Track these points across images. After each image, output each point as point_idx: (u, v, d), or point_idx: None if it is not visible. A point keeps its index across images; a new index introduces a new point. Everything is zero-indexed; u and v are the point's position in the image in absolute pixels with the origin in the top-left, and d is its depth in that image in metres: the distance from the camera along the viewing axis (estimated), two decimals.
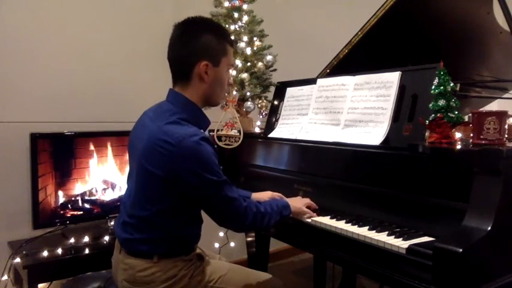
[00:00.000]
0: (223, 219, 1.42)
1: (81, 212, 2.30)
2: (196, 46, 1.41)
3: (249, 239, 2.46)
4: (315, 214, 1.55)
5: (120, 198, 2.40)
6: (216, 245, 2.88)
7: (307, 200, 1.60)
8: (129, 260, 1.39)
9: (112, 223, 2.28)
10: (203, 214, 1.50)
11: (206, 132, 1.46)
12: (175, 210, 1.37)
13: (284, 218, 1.51)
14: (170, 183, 1.31)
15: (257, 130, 2.40)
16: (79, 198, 2.30)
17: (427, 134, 1.38)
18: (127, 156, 2.40)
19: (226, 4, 2.49)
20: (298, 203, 1.58)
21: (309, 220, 1.52)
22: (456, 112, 1.33)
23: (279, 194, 1.71)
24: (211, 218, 1.41)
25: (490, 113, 1.27)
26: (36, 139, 2.13)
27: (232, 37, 2.36)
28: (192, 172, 1.29)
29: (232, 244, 2.92)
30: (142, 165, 1.35)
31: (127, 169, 2.40)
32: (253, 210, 1.41)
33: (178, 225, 1.40)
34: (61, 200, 2.24)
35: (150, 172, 1.33)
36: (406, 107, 1.53)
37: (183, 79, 1.45)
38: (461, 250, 1.02)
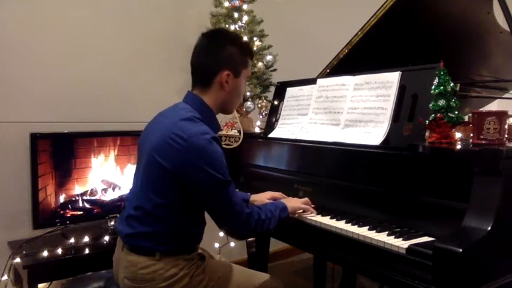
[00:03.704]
0: (225, 222, 1.43)
1: (81, 212, 2.30)
2: (221, 55, 1.48)
3: (249, 239, 2.47)
4: (313, 210, 1.57)
5: (120, 198, 2.41)
6: (216, 245, 2.88)
7: (305, 199, 1.62)
8: (131, 257, 1.40)
9: (112, 223, 2.28)
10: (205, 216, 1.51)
11: None
12: (179, 206, 1.39)
13: (283, 220, 1.53)
14: (177, 177, 1.34)
15: (257, 130, 2.40)
16: (79, 198, 2.30)
17: (427, 134, 1.38)
18: (127, 156, 2.43)
19: (226, 4, 2.49)
20: (295, 202, 1.60)
21: (310, 218, 1.52)
22: (456, 112, 1.33)
23: (280, 193, 1.71)
24: (214, 220, 1.43)
25: (490, 113, 1.27)
26: (36, 139, 2.12)
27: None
28: (199, 168, 1.32)
29: (232, 244, 2.92)
30: (153, 157, 1.38)
31: (127, 169, 2.43)
32: (255, 217, 1.43)
33: (181, 221, 1.41)
34: (61, 200, 2.23)
35: (159, 164, 1.36)
36: (406, 107, 1.53)
37: (204, 84, 1.50)
38: (461, 250, 1.02)
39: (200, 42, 1.54)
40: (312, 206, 1.61)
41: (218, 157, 1.35)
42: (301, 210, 1.59)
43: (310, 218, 1.53)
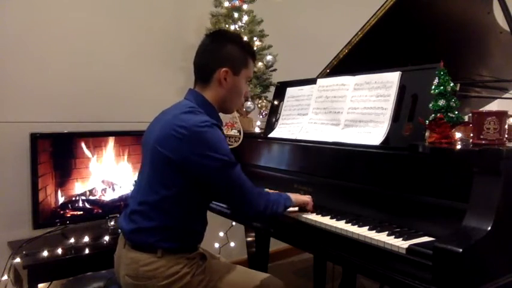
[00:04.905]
0: (237, 203, 1.45)
1: (81, 212, 2.30)
2: (221, 53, 1.51)
3: (249, 239, 2.47)
4: (312, 210, 1.58)
5: (120, 198, 2.41)
6: (216, 245, 2.88)
7: (308, 198, 1.61)
8: (133, 254, 1.41)
9: (112, 223, 2.28)
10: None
11: None
12: (184, 198, 1.41)
13: (287, 208, 1.55)
14: (182, 167, 1.37)
15: (257, 130, 2.40)
16: (79, 198, 2.30)
17: (427, 134, 1.38)
18: (127, 156, 2.43)
19: (226, 4, 2.49)
20: (297, 196, 1.61)
21: (310, 218, 1.52)
22: (456, 112, 1.33)
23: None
24: (226, 204, 1.49)
25: (490, 113, 1.27)
26: (36, 139, 2.13)
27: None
28: (204, 155, 1.35)
29: (232, 244, 2.92)
30: (157, 151, 1.40)
31: (127, 169, 2.43)
32: (266, 197, 1.46)
33: (185, 216, 1.42)
34: (61, 200, 2.24)
35: (164, 156, 1.38)
36: (406, 107, 1.52)
37: (204, 82, 1.53)
38: (461, 250, 1.02)
39: (203, 42, 1.57)
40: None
41: (221, 141, 1.39)
42: (297, 209, 1.59)
43: (310, 218, 1.52)
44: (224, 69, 1.49)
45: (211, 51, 1.53)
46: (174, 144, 1.37)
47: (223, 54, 1.51)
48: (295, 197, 1.59)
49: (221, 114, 1.61)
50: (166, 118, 1.45)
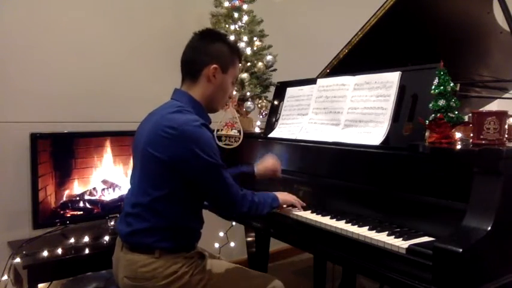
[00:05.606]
0: (221, 204, 1.48)
1: (81, 212, 2.30)
2: (210, 50, 1.53)
3: (249, 239, 2.47)
4: (299, 207, 1.61)
5: (120, 198, 2.41)
6: (216, 245, 2.88)
7: (294, 198, 1.65)
8: (131, 256, 1.41)
9: (112, 223, 2.28)
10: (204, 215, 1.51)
11: None
12: (176, 197, 1.41)
13: (273, 209, 1.59)
14: (172, 167, 1.37)
15: (257, 130, 2.40)
16: (79, 198, 2.30)
17: (427, 134, 1.38)
18: (127, 156, 2.43)
19: (226, 4, 2.49)
20: (285, 195, 1.64)
21: (310, 218, 1.52)
22: (456, 112, 1.33)
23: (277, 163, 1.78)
24: (210, 204, 1.50)
25: (490, 113, 1.27)
26: (36, 139, 2.13)
27: (232, 37, 2.38)
28: (192, 154, 1.36)
29: (232, 244, 2.92)
30: (147, 152, 1.40)
31: (127, 169, 2.43)
32: (249, 199, 1.48)
33: (178, 215, 1.43)
34: (61, 200, 2.24)
35: (154, 157, 1.38)
36: (406, 107, 1.53)
37: (192, 78, 1.54)
38: (461, 250, 1.02)
39: (191, 40, 1.58)
40: (305, 204, 1.64)
41: (209, 142, 1.40)
42: (289, 206, 1.61)
43: (310, 218, 1.52)
44: (213, 65, 1.50)
45: (200, 48, 1.54)
46: (163, 144, 1.37)
47: (213, 51, 1.52)
48: (282, 197, 1.61)
49: (221, 114, 1.61)
50: (155, 119, 1.45)
